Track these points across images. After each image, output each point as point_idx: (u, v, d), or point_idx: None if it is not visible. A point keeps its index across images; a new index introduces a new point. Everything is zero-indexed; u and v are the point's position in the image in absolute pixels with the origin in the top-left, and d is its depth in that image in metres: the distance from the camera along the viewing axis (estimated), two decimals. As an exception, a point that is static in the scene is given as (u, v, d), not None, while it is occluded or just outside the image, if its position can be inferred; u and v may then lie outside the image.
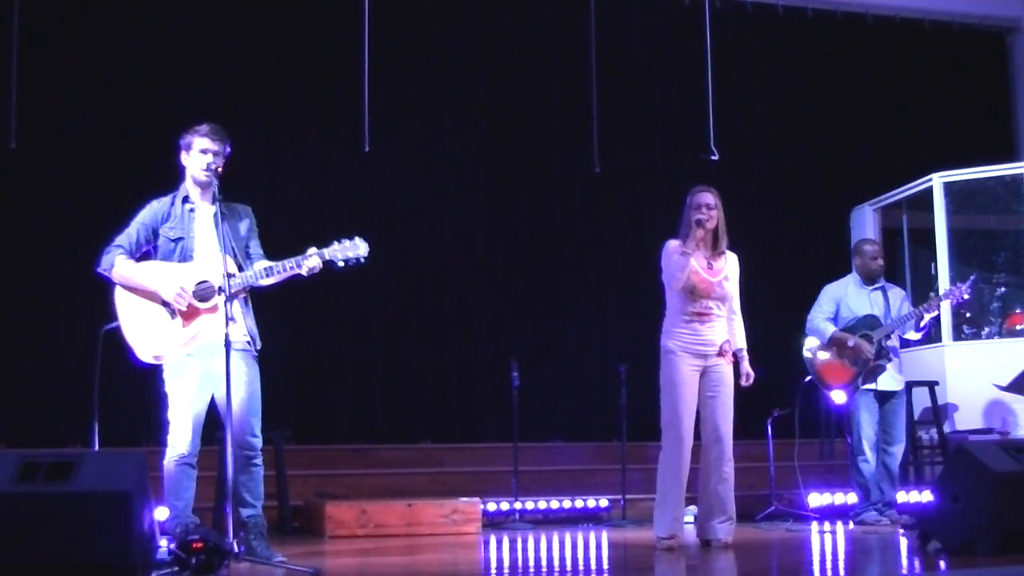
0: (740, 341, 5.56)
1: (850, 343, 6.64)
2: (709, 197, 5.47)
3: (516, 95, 8.91)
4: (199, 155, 4.84)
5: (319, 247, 4.73)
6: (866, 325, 6.72)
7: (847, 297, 6.85)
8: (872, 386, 6.67)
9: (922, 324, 6.78)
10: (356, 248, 4.74)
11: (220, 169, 4.80)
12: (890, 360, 6.70)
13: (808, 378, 6.94)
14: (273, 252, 4.93)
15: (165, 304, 4.74)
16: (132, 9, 8.01)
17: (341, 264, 4.74)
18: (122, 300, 4.82)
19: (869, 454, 6.63)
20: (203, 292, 4.74)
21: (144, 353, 4.77)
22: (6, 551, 3.84)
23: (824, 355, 6.77)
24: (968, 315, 8.48)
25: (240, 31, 8.23)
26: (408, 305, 8.56)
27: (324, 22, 8.48)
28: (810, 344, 6.85)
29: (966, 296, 6.76)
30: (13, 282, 7.51)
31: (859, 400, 6.66)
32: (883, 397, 6.72)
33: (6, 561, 3.83)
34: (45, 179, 7.68)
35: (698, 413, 5.44)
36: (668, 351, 5.45)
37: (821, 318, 6.82)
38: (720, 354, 5.44)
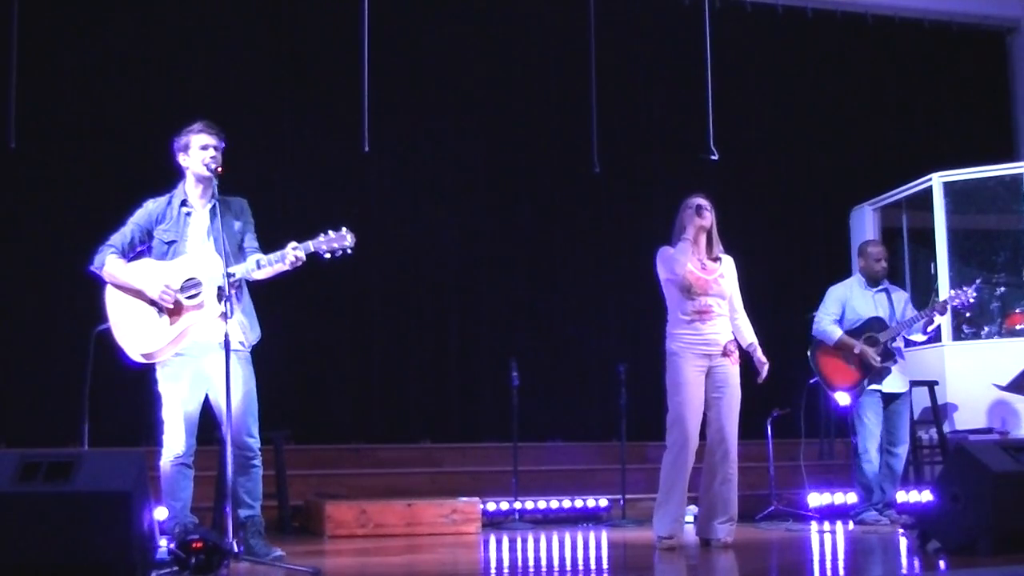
0: (749, 336, 5.59)
1: (856, 350, 6.64)
2: (704, 200, 5.53)
3: (516, 95, 8.91)
4: (199, 151, 4.84)
5: (304, 239, 4.73)
6: (872, 327, 6.72)
7: (852, 299, 6.84)
8: (877, 387, 6.67)
9: (930, 328, 6.78)
10: (342, 239, 4.70)
11: (219, 168, 4.80)
12: (896, 362, 6.71)
13: (813, 379, 6.95)
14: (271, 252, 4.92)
15: (153, 303, 4.74)
16: (132, 9, 8.01)
17: (327, 256, 4.72)
18: (112, 299, 4.83)
19: (873, 455, 6.63)
20: (190, 289, 4.73)
21: (133, 352, 4.77)
22: (6, 551, 3.83)
23: (829, 356, 6.77)
24: (968, 315, 8.47)
25: (240, 31, 8.22)
26: (408, 305, 8.56)
27: (324, 22, 8.47)
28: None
29: (972, 299, 6.77)
30: (13, 281, 7.51)
31: (864, 401, 6.67)
32: (888, 398, 6.73)
33: (6, 561, 3.83)
34: (44, 179, 7.68)
35: (704, 414, 5.44)
36: (672, 353, 5.45)
37: (828, 320, 6.81)
38: (725, 354, 5.45)
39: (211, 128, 4.88)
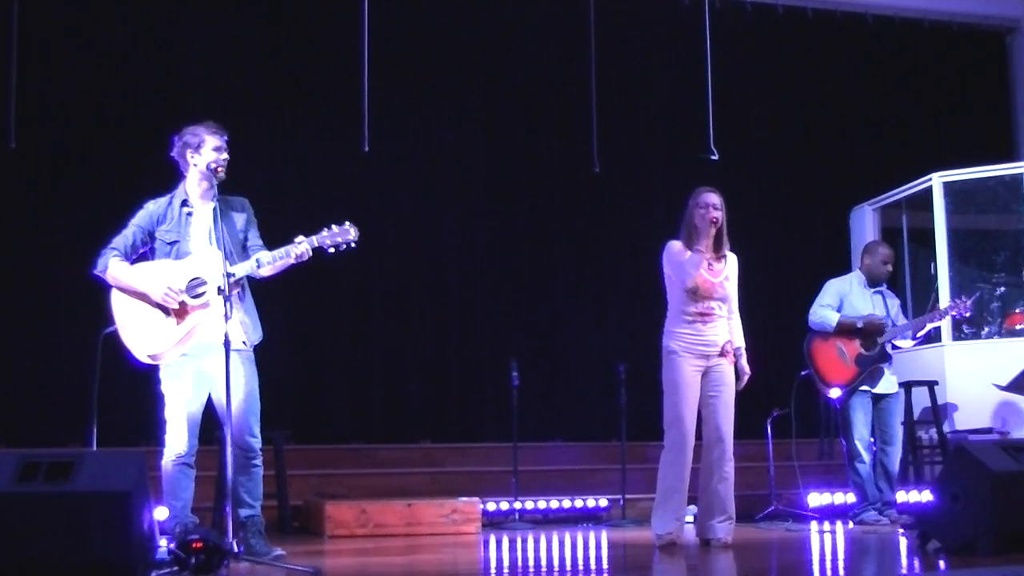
0: (738, 340, 5.56)
1: (860, 324, 6.64)
2: (716, 197, 5.47)
3: (516, 95, 8.91)
4: (212, 152, 4.83)
5: (308, 234, 4.75)
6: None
7: (851, 294, 6.85)
8: (866, 388, 6.68)
9: (920, 333, 6.79)
10: (346, 233, 4.76)
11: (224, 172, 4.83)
12: (889, 363, 6.72)
13: (805, 372, 6.93)
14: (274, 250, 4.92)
15: (158, 304, 4.74)
16: (132, 9, 8.01)
17: (331, 250, 4.76)
18: (118, 301, 4.84)
19: (864, 454, 6.64)
20: (195, 288, 4.74)
21: (140, 353, 4.78)
22: (6, 551, 3.83)
23: (826, 350, 6.76)
24: (968, 315, 8.48)
25: (240, 31, 8.23)
26: (408, 305, 8.56)
27: (324, 22, 8.48)
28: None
29: (967, 313, 6.78)
30: (13, 282, 7.51)
31: (854, 401, 6.67)
32: (876, 397, 6.74)
33: (6, 561, 3.83)
34: (45, 179, 7.69)
35: (699, 413, 5.44)
36: (670, 351, 5.45)
37: (826, 308, 6.79)
38: (722, 354, 5.45)
39: (221, 130, 4.89)
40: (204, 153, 4.85)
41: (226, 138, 4.88)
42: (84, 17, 7.89)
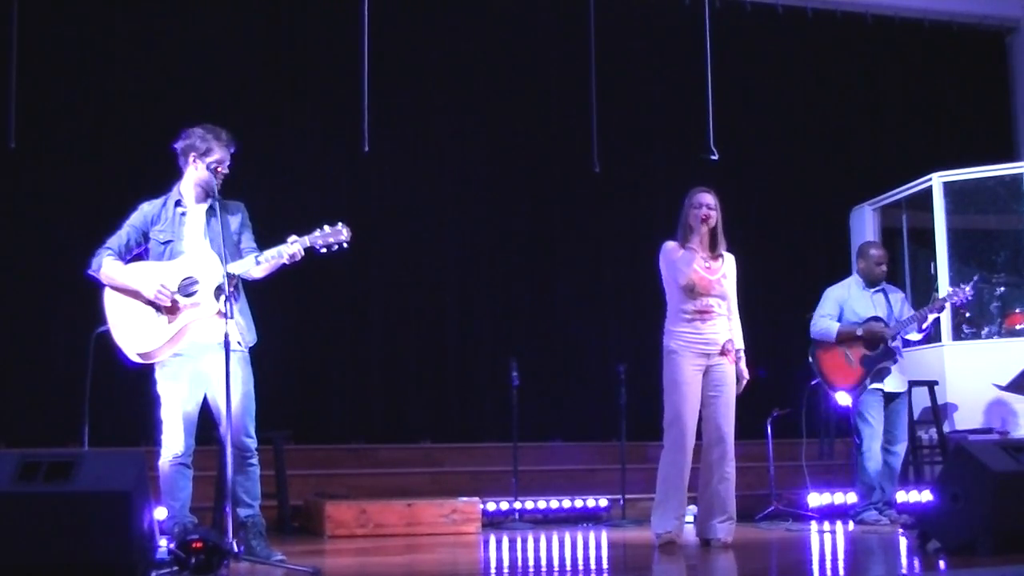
0: (738, 342, 5.56)
1: (859, 332, 6.65)
2: (709, 197, 5.51)
3: (516, 95, 8.91)
4: (215, 164, 4.83)
5: (300, 234, 4.75)
6: None
7: (850, 299, 6.85)
8: (879, 386, 6.68)
9: (924, 325, 6.79)
10: (338, 234, 4.75)
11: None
12: (896, 361, 6.72)
13: (815, 381, 6.95)
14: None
15: (150, 303, 4.75)
16: (132, 9, 8.01)
17: (323, 251, 4.76)
18: (110, 300, 4.84)
19: (876, 453, 6.65)
20: (187, 288, 4.74)
21: (130, 351, 4.77)
22: (6, 551, 3.83)
23: (830, 356, 6.77)
24: (968, 315, 8.48)
25: (240, 31, 8.23)
26: (408, 305, 8.56)
27: (324, 22, 8.48)
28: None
29: (969, 296, 6.77)
30: (12, 282, 7.51)
31: (867, 400, 6.68)
32: (887, 397, 6.75)
33: (6, 561, 3.83)
34: (44, 179, 7.68)
35: (700, 412, 5.44)
36: (671, 351, 5.45)
37: (825, 319, 6.82)
38: (722, 353, 5.45)
39: (232, 143, 4.90)
40: (207, 163, 4.84)
41: (232, 150, 4.89)
42: (84, 17, 7.89)
